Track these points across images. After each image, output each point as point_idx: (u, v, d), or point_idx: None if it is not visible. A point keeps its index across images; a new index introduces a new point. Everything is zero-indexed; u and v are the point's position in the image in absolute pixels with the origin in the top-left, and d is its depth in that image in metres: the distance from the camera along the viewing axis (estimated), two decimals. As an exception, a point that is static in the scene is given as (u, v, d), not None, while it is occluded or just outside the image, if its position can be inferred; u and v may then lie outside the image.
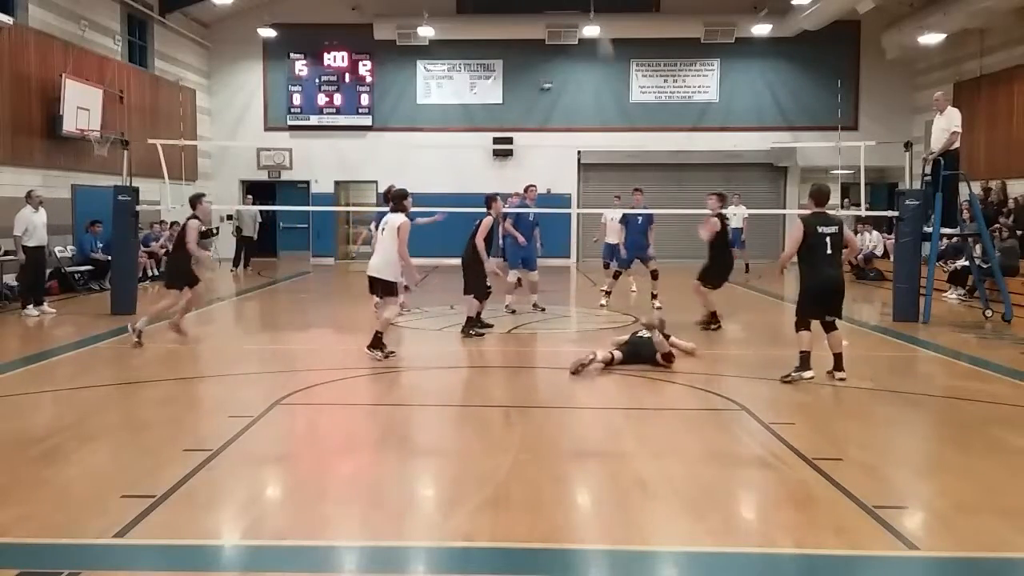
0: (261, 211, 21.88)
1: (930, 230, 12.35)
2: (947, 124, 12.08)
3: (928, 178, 12.43)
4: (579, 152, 23.78)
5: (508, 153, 23.78)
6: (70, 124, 15.89)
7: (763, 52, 23.68)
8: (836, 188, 19.74)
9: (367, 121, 24.29)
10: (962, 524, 4.53)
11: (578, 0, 21.86)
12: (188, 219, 10.08)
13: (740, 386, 8.02)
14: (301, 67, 24.33)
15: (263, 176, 24.62)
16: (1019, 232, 15.04)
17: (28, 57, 15.34)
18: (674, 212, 17.75)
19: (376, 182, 22.91)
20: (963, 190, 12.97)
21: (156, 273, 17.75)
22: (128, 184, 12.85)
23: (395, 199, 9.28)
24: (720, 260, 11.25)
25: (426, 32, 22.68)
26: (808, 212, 8.22)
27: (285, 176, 24.64)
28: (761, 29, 22.41)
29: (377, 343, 8.98)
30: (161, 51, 21.47)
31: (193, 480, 5.12)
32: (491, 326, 11.08)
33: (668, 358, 8.65)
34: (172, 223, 18.40)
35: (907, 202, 12.11)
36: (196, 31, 23.35)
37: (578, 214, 23.39)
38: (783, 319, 10.87)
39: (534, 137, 23.86)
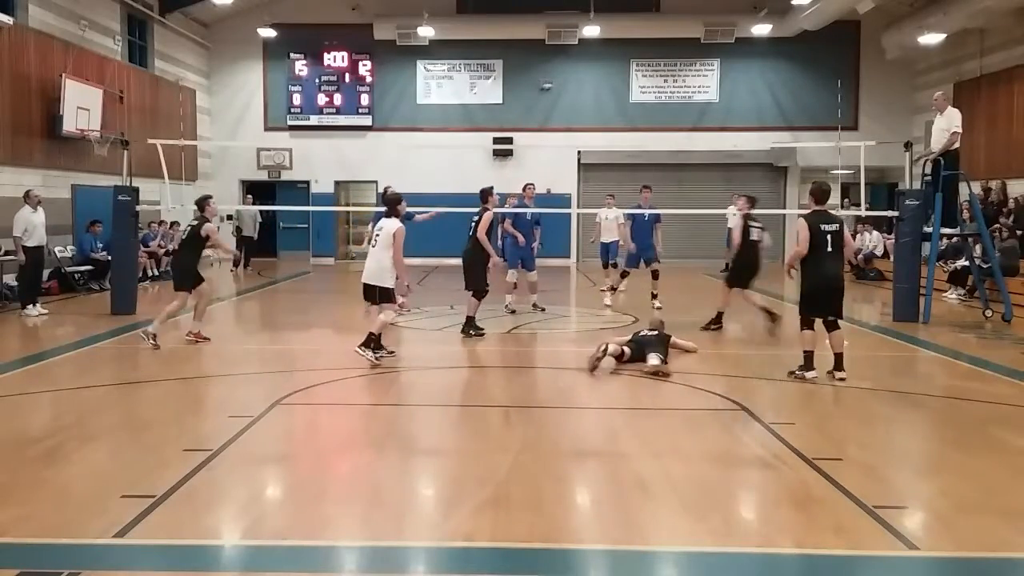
0: (261, 211, 21.89)
1: (930, 230, 12.35)
2: (947, 124, 12.06)
3: (928, 178, 12.43)
4: (579, 152, 23.74)
5: (508, 153, 23.75)
6: (70, 124, 15.87)
7: (763, 52, 23.65)
8: (836, 188, 19.69)
9: (367, 121, 24.26)
10: (962, 524, 4.53)
11: (578, 0, 21.85)
12: (202, 223, 10.06)
13: (740, 386, 8.02)
14: (301, 67, 24.30)
15: (263, 176, 24.59)
16: (1019, 232, 15.04)
17: (28, 57, 15.32)
18: (679, 212, 17.70)
19: (376, 182, 22.88)
20: (963, 190, 12.97)
21: (156, 273, 17.75)
22: (128, 184, 12.85)
23: (388, 204, 9.24)
24: (743, 260, 11.23)
25: (426, 32, 22.65)
26: (809, 211, 8.23)
27: (285, 176, 24.61)
28: (761, 29, 22.38)
29: (369, 343, 8.73)
30: (161, 51, 21.45)
31: (193, 480, 5.12)
32: (483, 333, 10.67)
33: (662, 374, 8.31)
34: (172, 223, 18.45)
35: (907, 202, 12.12)
36: (196, 31, 23.33)
37: (578, 214, 23.36)
38: (783, 319, 10.86)
39: (534, 137, 23.83)
